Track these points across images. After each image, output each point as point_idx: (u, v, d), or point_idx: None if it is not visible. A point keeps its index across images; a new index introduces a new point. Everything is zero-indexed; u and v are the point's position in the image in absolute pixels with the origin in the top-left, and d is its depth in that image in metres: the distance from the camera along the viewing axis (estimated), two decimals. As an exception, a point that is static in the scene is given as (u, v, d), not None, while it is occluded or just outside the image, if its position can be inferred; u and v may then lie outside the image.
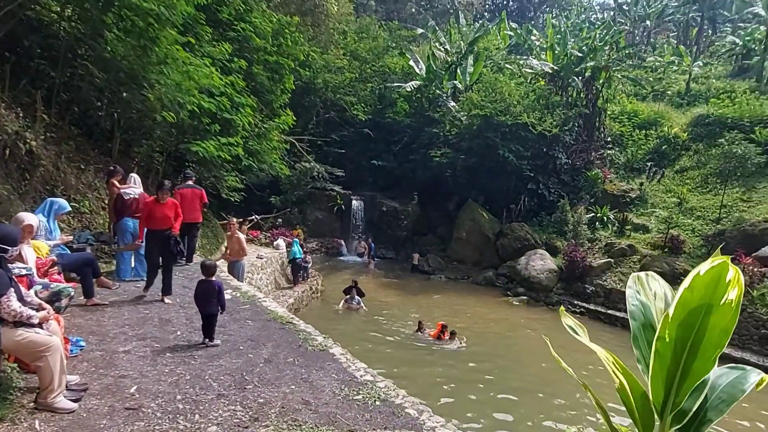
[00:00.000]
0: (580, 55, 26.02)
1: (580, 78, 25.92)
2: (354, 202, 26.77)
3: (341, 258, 25.19)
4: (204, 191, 10.71)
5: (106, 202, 9.85)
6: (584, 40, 28.34)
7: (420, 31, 32.48)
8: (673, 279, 17.22)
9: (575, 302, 18.66)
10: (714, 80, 32.00)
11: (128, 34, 10.10)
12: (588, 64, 25.53)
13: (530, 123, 22.95)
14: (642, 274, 2.98)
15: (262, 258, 15.33)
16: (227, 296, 8.44)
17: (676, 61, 35.45)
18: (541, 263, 20.15)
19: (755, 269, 15.59)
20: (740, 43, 33.16)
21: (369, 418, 4.58)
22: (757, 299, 15.02)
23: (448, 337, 13.36)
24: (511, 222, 23.38)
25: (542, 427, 9.01)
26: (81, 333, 5.83)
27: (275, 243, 18.71)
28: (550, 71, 26.37)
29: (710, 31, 43.20)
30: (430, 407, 5.15)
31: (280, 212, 24.37)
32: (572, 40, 28.07)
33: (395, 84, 28.53)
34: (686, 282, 2.62)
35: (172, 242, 7.58)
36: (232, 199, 17.17)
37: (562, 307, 3.14)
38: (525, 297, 19.37)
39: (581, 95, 26.71)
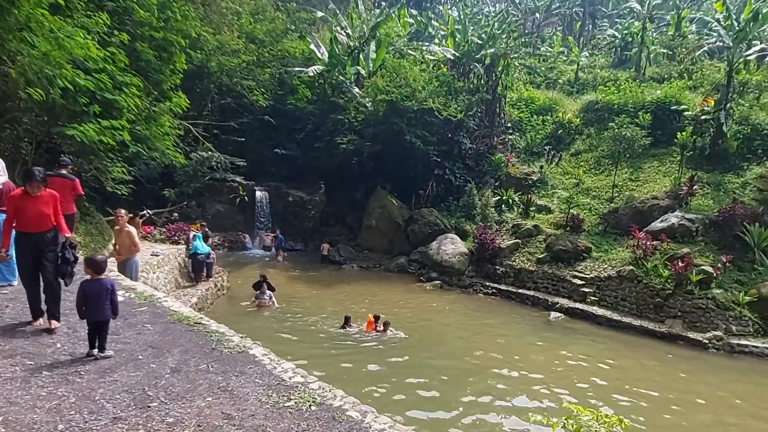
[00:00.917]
0: (480, 42, 26.62)
1: (480, 65, 26.50)
2: (258, 193, 25.42)
3: (246, 252, 23.84)
4: (78, 181, 9.23)
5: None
6: (483, 28, 29.11)
7: (320, 14, 31.51)
8: (576, 256, 18.16)
9: (487, 283, 19.05)
10: (599, 70, 34.41)
11: (-23, -7, 8.39)
12: (488, 51, 26.17)
13: (435, 108, 23.04)
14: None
15: (158, 255, 13.84)
16: (119, 298, 7.29)
17: (565, 51, 37.76)
18: (452, 247, 20.32)
19: (648, 243, 16.71)
20: (619, 37, 35.91)
21: (306, 427, 3.93)
22: (651, 270, 16.12)
23: (381, 329, 12.81)
24: (420, 208, 23.42)
25: (484, 412, 8.73)
26: None
27: (190, 235, 16.92)
28: (452, 57, 26.71)
29: (591, 26, 46.63)
30: (373, 407, 4.60)
31: (175, 206, 22.44)
32: (471, 27, 28.69)
33: (296, 69, 27.40)
34: None
35: (68, 251, 5.81)
36: (119, 193, 15.31)
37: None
38: (438, 281, 19.44)
39: (482, 81, 27.36)
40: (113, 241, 12.15)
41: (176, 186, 22.95)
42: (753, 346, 13.72)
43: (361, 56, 27.41)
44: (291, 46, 29.41)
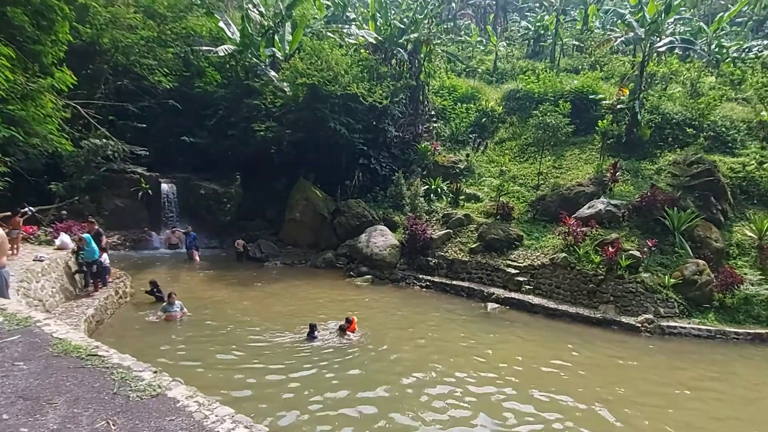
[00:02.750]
0: (402, 26, 25.72)
1: (403, 50, 25.62)
2: (164, 186, 22.72)
3: (152, 252, 21.27)
4: None
5: None
6: (405, 12, 28.27)
7: (230, -12, 29.07)
8: (509, 244, 17.80)
9: (420, 276, 18.24)
10: (516, 60, 34.89)
11: None
12: (411, 36, 25.32)
13: (360, 94, 21.78)
14: None
15: (42, 260, 11.55)
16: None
17: (483, 41, 38.05)
18: (382, 239, 19.27)
19: (578, 229, 16.65)
20: (532, 29, 36.68)
21: None
22: (583, 257, 16.05)
23: (339, 331, 11.67)
24: (347, 199, 22.20)
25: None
26: None
27: (57, 241, 14.28)
28: (374, 41, 25.59)
29: (503, 18, 47.63)
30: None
31: (64, 202, 19.45)
32: (393, 11, 27.75)
33: (204, 48, 24.84)
34: None
35: None
36: (-7, 188, 12.75)
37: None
38: (369, 276, 18.38)
39: (405, 67, 26.50)
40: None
41: (65, 179, 19.90)
42: (681, 327, 14.09)
43: (276, 37, 25.48)
44: (197, 24, 26.64)
